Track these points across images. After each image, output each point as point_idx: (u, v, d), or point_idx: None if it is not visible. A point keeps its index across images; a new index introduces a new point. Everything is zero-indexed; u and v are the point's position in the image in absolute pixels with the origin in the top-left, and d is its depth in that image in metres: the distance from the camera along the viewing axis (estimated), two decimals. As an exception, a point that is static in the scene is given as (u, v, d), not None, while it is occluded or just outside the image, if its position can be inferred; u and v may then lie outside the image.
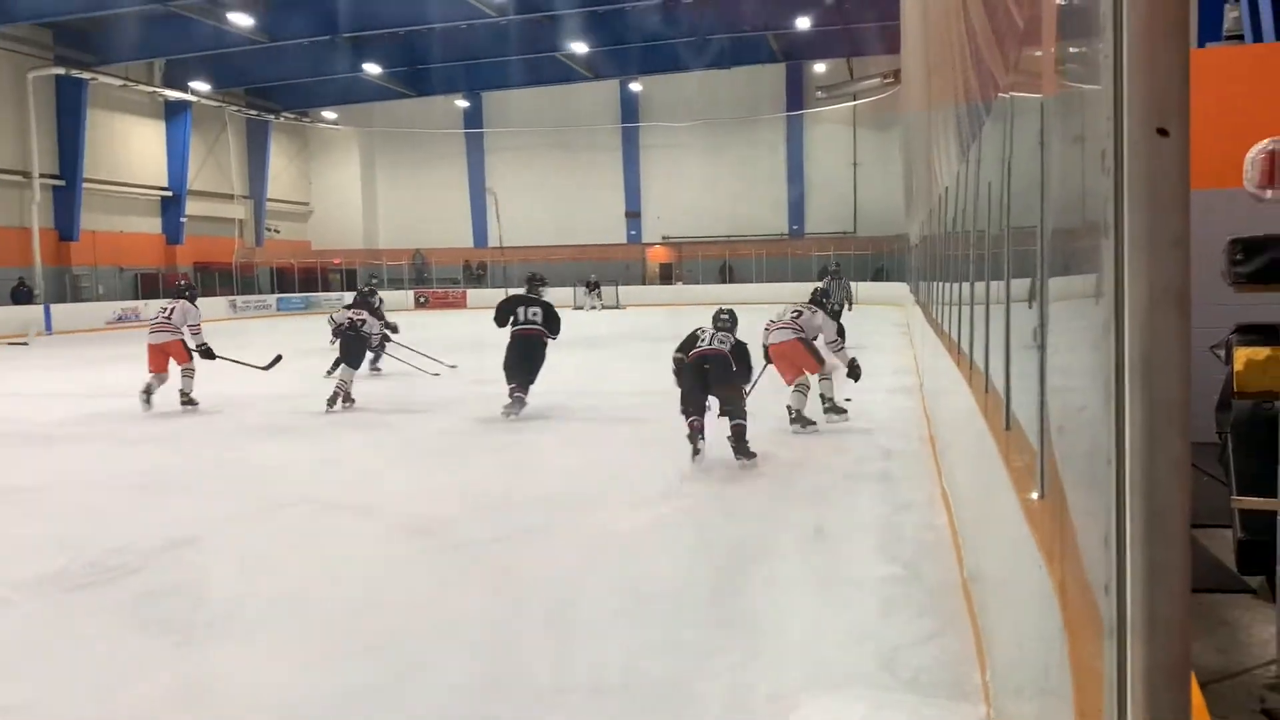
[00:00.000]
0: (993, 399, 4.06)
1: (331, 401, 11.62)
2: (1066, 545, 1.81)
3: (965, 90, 5.26)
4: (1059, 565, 1.94)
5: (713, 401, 8.45)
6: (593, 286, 37.97)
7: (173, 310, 12.19)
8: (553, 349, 11.60)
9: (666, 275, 43.80)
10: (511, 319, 11.18)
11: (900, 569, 5.29)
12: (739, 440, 8.15)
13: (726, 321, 8.75)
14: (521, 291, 11.68)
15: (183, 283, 12.87)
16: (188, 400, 11.95)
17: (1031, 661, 2.33)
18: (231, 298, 38.12)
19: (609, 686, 3.99)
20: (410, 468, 8.59)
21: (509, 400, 10.95)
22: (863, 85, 38.38)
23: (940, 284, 9.28)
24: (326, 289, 42.38)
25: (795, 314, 10.42)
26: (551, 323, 11.23)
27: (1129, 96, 1.13)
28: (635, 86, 42.75)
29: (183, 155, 38.08)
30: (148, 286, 36.00)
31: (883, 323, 23.35)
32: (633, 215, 44.56)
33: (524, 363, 11.05)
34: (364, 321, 12.33)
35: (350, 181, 47.07)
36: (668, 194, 43.77)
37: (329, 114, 44.80)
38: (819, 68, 40.64)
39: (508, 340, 11.20)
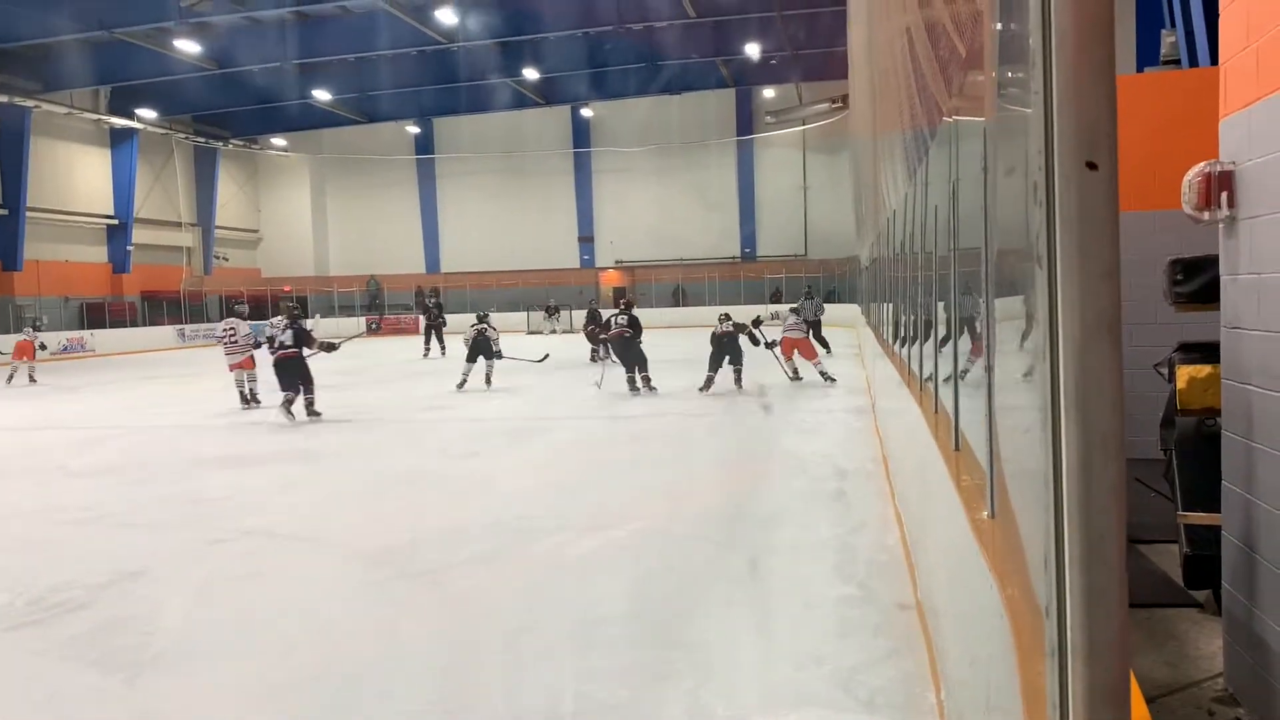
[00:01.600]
0: (942, 419, 4.09)
1: (488, 381, 16.82)
2: (1016, 564, 1.83)
3: (911, 115, 5.35)
4: (1009, 584, 1.96)
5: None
6: (551, 311, 37.88)
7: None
8: (505, 373, 16.21)
9: (620, 299, 43.82)
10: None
11: (855, 589, 5.32)
12: (738, 377, 15.31)
13: (728, 318, 15.56)
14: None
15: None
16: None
17: (983, 680, 2.34)
18: (180, 326, 37.55)
19: (564, 713, 3.97)
20: (361, 495, 8.51)
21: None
22: (812, 110, 38.76)
23: (890, 305, 9.40)
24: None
25: (798, 318, 17.11)
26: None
27: (1059, 131, 1.15)
28: (587, 112, 42.86)
29: (129, 183, 37.56)
30: (94, 316, 35.40)
31: (835, 344, 23.44)
32: (585, 240, 44.56)
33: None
34: (486, 329, 16.97)
35: (300, 208, 46.64)
36: (620, 218, 43.84)
37: (278, 140, 44.43)
38: (768, 93, 40.99)
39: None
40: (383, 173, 45.39)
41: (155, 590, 5.86)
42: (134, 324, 37.08)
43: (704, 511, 7.41)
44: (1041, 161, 1.19)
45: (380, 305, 44.19)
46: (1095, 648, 1.13)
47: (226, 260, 44.16)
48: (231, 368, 15.51)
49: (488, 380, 16.87)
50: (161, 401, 13.21)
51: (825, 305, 26.34)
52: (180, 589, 5.88)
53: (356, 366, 22.53)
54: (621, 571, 5.91)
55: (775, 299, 39.76)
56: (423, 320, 27.96)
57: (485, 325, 17.21)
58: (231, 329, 15.66)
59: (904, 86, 5.62)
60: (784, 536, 6.56)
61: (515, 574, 5.93)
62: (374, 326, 19.42)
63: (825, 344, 23.67)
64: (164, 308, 38.93)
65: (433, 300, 29.39)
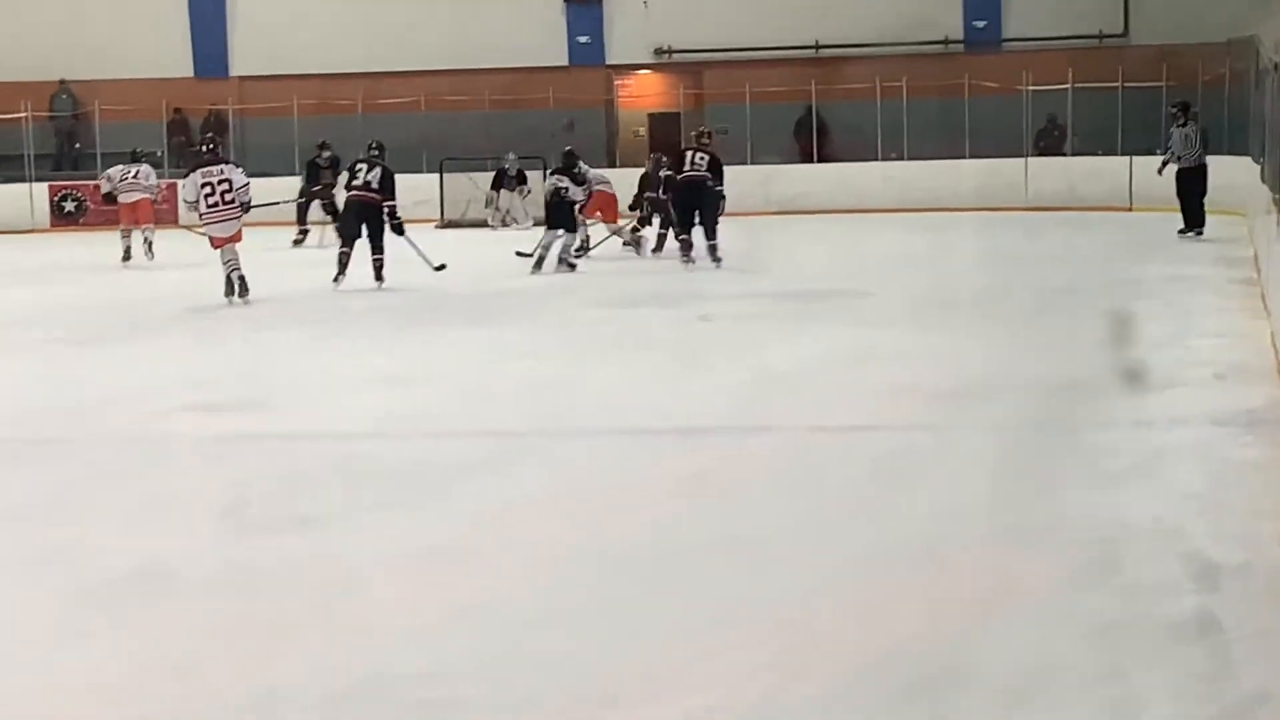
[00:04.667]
0: None
1: (562, 263, 26.23)
2: None
3: None
4: None
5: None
6: (512, 180, 37.80)
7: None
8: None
9: (669, 144, 43.52)
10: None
11: None
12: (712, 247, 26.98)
13: (706, 134, 28.61)
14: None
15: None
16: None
17: None
18: None
19: None
20: (45, 622, 8.36)
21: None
22: None
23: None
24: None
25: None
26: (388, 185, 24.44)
27: None
28: None
29: None
30: None
31: (1194, 251, 23.44)
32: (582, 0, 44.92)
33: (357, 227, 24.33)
34: (567, 189, 26.39)
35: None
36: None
37: None
38: None
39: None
40: None
41: None
42: None
43: (855, 668, 7.26)
44: None
45: (85, 154, 44.15)
46: None
47: None
48: (219, 243, 22.50)
49: (570, 261, 26.24)
50: None
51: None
52: None
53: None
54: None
55: (1047, 142, 39.44)
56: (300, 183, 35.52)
57: (565, 183, 26.45)
58: (225, 181, 22.63)
59: None
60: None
61: None
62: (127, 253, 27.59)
63: (1199, 218, 26.23)
64: None
65: (326, 156, 35.78)
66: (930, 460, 11.85)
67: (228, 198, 22.14)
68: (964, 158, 38.04)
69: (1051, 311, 18.70)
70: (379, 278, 23.80)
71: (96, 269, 25.00)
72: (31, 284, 25.07)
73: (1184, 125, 26.17)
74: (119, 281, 24.79)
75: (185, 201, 23.32)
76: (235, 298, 22.05)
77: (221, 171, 22.39)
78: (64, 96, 45.43)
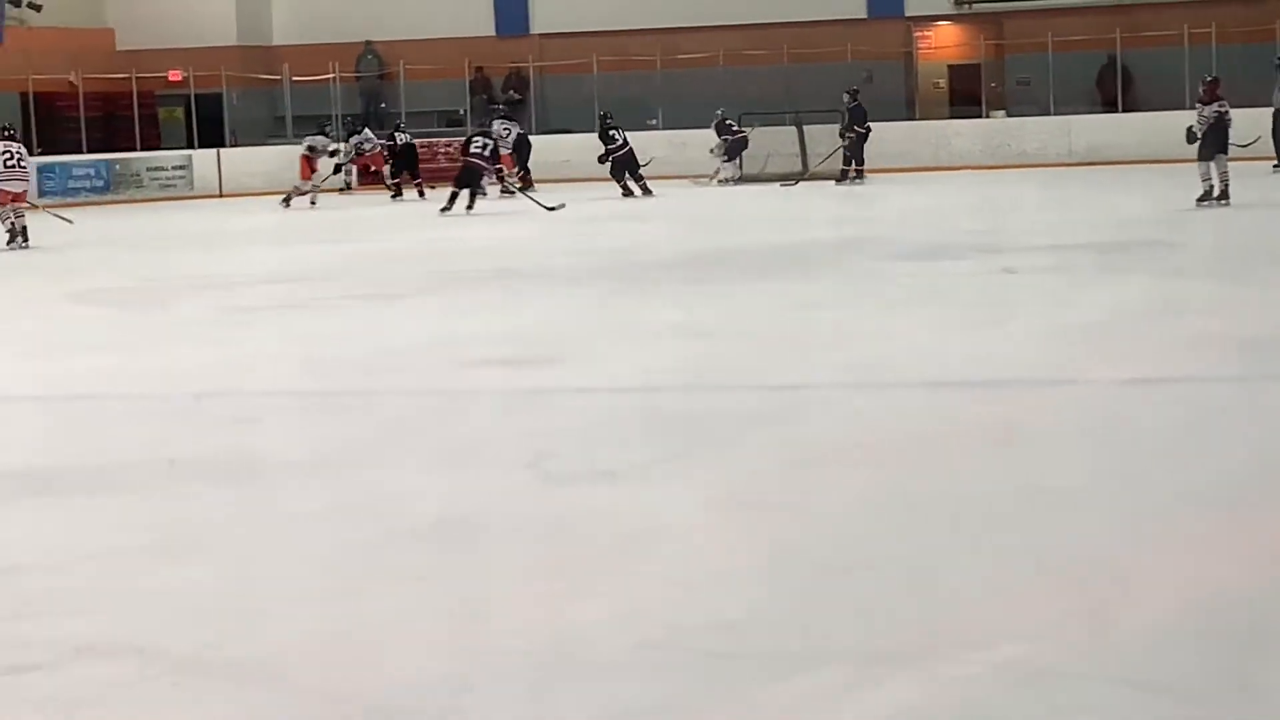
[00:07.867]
0: None
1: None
2: None
3: None
4: None
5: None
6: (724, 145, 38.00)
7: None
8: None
9: (969, 96, 43.29)
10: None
11: None
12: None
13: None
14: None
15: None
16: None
17: None
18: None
19: None
20: (332, 575, 8.35)
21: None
22: None
23: None
24: (152, 144, 43.12)
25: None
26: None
27: None
28: None
29: None
30: None
31: None
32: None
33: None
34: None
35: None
36: None
37: None
38: None
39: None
40: None
41: None
42: None
43: (1167, 620, 7.04)
44: None
45: (391, 114, 44.65)
46: None
47: (37, 9, 45.16)
48: (11, 198, 28.51)
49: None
50: None
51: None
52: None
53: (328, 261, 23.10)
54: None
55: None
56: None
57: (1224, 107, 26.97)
58: (20, 152, 29.37)
59: None
60: None
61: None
62: (345, 179, 24.05)
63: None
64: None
65: (609, 119, 38.05)
66: (1239, 411, 11.60)
67: (22, 165, 29.57)
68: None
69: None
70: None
71: (404, 225, 25.36)
72: (342, 240, 25.61)
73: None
74: (423, 238, 25.11)
75: None
76: (21, 243, 28.72)
77: (17, 144, 29.90)
78: (369, 57, 46.28)
